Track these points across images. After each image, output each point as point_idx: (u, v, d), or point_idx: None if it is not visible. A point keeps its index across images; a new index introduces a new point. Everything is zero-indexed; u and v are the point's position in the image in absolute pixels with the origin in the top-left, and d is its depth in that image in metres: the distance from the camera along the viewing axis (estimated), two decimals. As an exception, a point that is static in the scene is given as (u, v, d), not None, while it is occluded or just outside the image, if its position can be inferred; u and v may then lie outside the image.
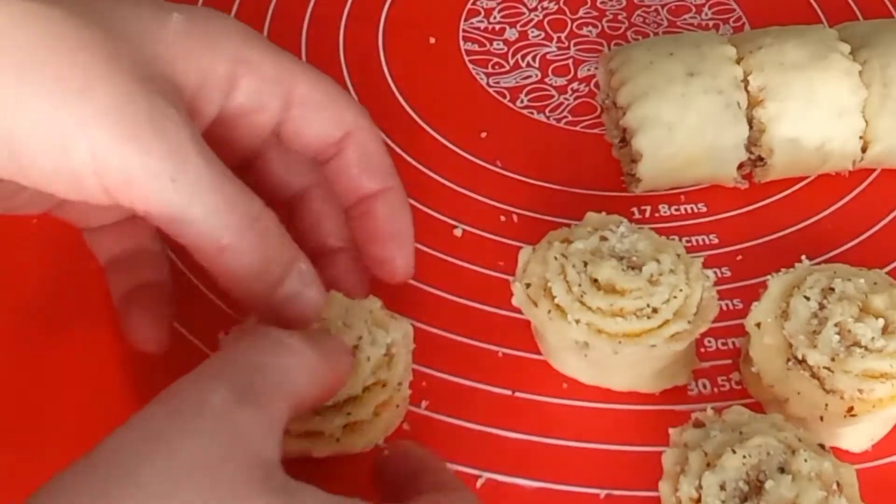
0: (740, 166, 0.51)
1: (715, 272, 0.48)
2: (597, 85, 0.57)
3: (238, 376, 0.30)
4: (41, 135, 0.31)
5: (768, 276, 0.43)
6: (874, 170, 0.53)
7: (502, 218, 0.51)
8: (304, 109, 0.37)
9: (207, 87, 0.35)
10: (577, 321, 0.41)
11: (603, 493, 0.42)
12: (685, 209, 0.52)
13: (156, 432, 0.28)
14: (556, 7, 0.62)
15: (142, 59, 0.33)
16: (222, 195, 0.33)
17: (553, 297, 0.41)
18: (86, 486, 0.27)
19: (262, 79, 0.36)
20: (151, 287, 0.40)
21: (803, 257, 0.44)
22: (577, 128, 0.56)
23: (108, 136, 0.32)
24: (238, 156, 0.39)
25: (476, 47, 0.60)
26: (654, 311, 0.41)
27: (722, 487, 0.35)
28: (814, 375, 0.40)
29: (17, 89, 0.31)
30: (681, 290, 0.42)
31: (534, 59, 0.59)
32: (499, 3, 0.62)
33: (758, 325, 0.42)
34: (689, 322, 0.41)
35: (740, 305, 0.47)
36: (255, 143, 0.38)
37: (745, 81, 0.50)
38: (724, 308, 0.46)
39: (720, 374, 0.45)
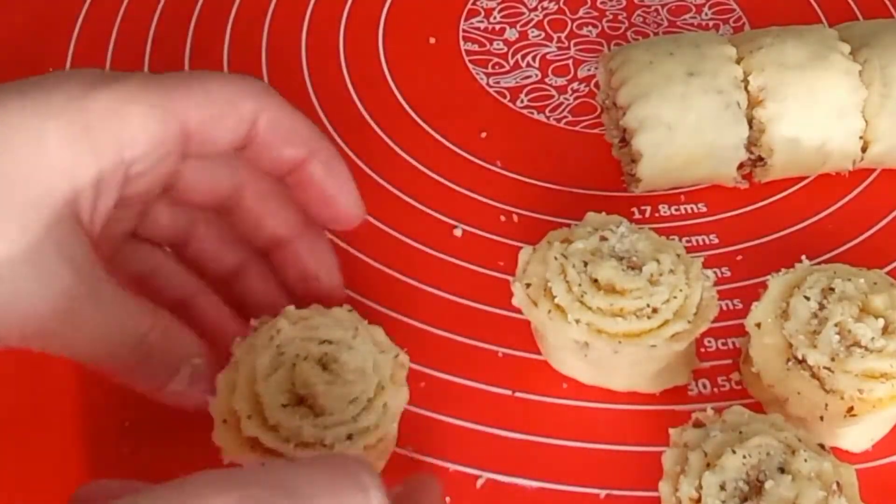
0: (740, 166, 0.51)
1: (715, 272, 0.48)
2: (597, 85, 0.57)
3: None
4: None
5: (768, 276, 0.43)
6: (874, 170, 0.53)
7: (502, 218, 0.51)
8: (203, 130, 0.37)
9: (107, 181, 0.35)
10: (577, 321, 0.41)
11: (603, 493, 0.42)
12: (685, 209, 0.52)
13: None
14: (556, 7, 0.62)
15: (27, 189, 0.33)
16: (107, 323, 0.35)
17: (553, 297, 0.41)
18: None
19: (151, 140, 0.36)
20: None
21: (803, 257, 0.44)
22: (577, 128, 0.56)
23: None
24: (148, 196, 0.39)
25: (476, 47, 0.60)
26: (654, 311, 0.41)
27: (722, 487, 0.35)
28: (814, 375, 0.40)
29: None
30: (681, 290, 0.42)
31: (534, 59, 0.59)
32: (499, 3, 0.62)
33: (758, 325, 0.42)
34: (689, 322, 0.41)
35: (740, 305, 0.47)
36: (168, 178, 0.39)
37: (745, 81, 0.50)
38: (724, 308, 0.46)
39: (720, 374, 0.45)
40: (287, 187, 0.41)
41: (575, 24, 0.61)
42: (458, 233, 0.51)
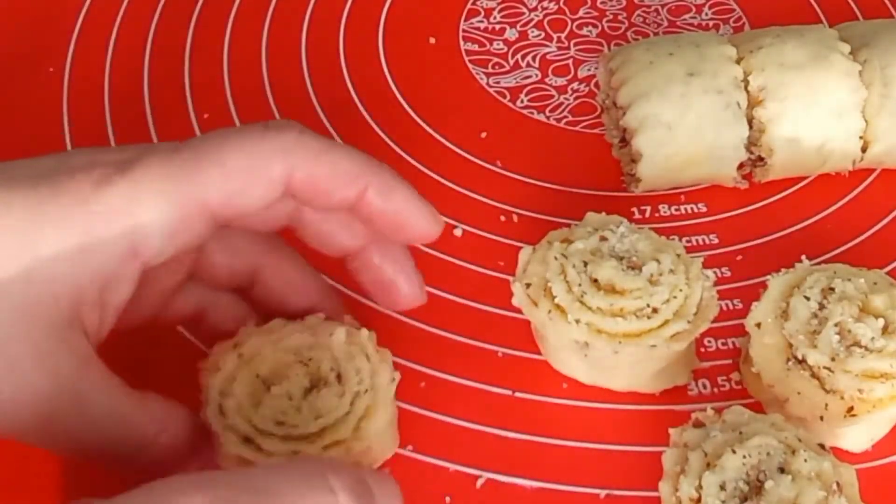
0: (740, 166, 0.51)
1: (715, 272, 0.48)
2: (597, 85, 0.57)
3: None
4: None
5: (768, 276, 0.43)
6: (874, 170, 0.53)
7: (502, 218, 0.51)
8: (228, 205, 0.35)
9: (118, 277, 0.34)
10: (578, 321, 0.41)
11: (603, 493, 0.41)
12: (685, 209, 0.52)
13: None
14: (556, 7, 0.62)
15: (21, 289, 0.32)
16: (98, 431, 0.34)
17: (553, 297, 0.41)
18: None
19: (167, 231, 0.34)
20: None
21: (803, 257, 0.44)
22: (577, 128, 0.56)
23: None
24: (187, 257, 0.38)
25: (476, 47, 0.59)
26: (654, 311, 0.41)
27: (722, 487, 0.35)
28: (814, 375, 0.40)
29: None
30: (681, 290, 0.41)
31: (534, 59, 0.59)
32: (499, 3, 0.62)
33: (758, 325, 0.42)
34: (688, 322, 0.41)
35: (740, 305, 0.47)
36: (203, 242, 0.38)
37: (745, 81, 0.50)
38: (724, 308, 0.46)
39: (720, 374, 0.45)
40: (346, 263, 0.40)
41: (575, 24, 0.61)
42: (458, 233, 0.50)
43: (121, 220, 0.34)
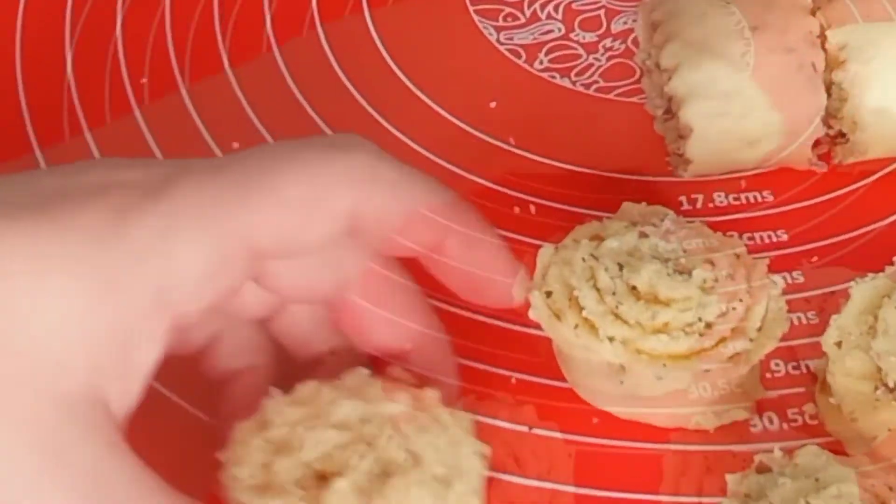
0: (816, 144, 0.51)
1: (784, 277, 0.47)
2: (635, 42, 0.57)
3: None
4: None
5: (851, 283, 0.43)
6: (984, 149, 0.53)
7: (516, 209, 0.51)
8: (279, 243, 0.36)
9: (144, 335, 0.34)
10: (611, 339, 0.41)
11: (644, 553, 0.42)
12: (746, 198, 0.52)
13: None
14: (585, -56, 0.62)
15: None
16: None
17: (581, 309, 0.41)
18: None
19: (203, 273, 0.35)
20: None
21: (895, 259, 0.44)
22: (611, 95, 0.56)
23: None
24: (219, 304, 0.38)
25: (484, -6, 0.60)
26: (708, 326, 0.41)
27: (794, 549, 0.35)
28: (909, 407, 0.40)
29: None
30: (741, 301, 0.41)
31: (556, 9, 0.59)
32: (512, -60, 0.62)
33: (838, 343, 0.42)
34: (751, 340, 0.41)
35: (816, 320, 0.47)
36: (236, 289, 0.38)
37: (823, 37, 0.50)
38: (796, 323, 0.46)
39: (790, 405, 0.45)
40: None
41: (608, -34, 0.61)
42: (461, 228, 0.50)
43: (148, 263, 0.33)
